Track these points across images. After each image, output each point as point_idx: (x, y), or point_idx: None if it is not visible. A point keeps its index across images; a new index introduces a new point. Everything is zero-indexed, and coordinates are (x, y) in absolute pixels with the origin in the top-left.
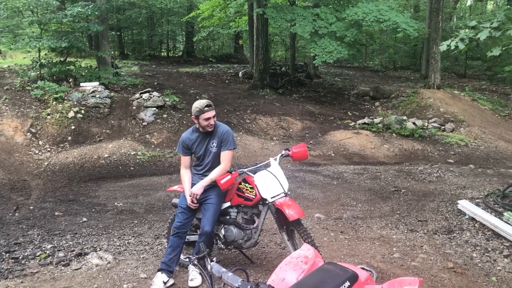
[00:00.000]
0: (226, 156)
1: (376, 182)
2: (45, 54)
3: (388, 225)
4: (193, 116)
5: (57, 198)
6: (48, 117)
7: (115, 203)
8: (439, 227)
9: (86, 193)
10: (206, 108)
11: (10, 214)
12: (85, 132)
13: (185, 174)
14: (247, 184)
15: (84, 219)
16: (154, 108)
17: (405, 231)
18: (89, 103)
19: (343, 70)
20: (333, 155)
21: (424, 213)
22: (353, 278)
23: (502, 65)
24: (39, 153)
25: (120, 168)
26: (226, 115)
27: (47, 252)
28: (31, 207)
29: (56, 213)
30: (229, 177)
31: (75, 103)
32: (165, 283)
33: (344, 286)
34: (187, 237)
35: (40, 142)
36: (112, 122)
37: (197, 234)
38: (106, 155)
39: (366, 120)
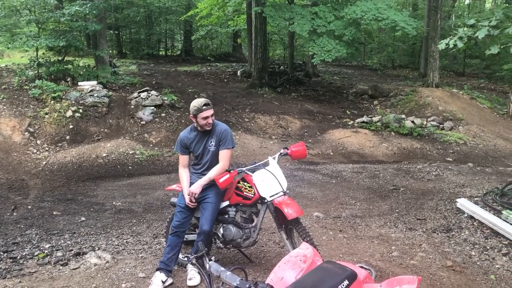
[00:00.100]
0: (224, 155)
1: (375, 181)
2: (43, 53)
3: (387, 223)
4: (191, 115)
5: (55, 198)
6: (46, 116)
7: (114, 203)
8: (438, 226)
9: (84, 193)
10: (204, 107)
11: (8, 214)
12: (83, 131)
13: (184, 173)
14: (245, 183)
15: (83, 218)
16: (153, 107)
17: (404, 229)
18: (87, 102)
19: (342, 68)
20: (331, 153)
21: (423, 212)
22: (352, 276)
23: (501, 63)
24: (37, 153)
25: (118, 167)
26: (225, 114)
27: (45, 251)
28: (29, 207)
29: (54, 213)
30: (227, 176)
31: (73, 102)
32: (163, 282)
33: (343, 285)
34: (186, 236)
35: (38, 142)
36: (110, 121)
37: (195, 233)
38: (104, 154)
39: (364, 118)
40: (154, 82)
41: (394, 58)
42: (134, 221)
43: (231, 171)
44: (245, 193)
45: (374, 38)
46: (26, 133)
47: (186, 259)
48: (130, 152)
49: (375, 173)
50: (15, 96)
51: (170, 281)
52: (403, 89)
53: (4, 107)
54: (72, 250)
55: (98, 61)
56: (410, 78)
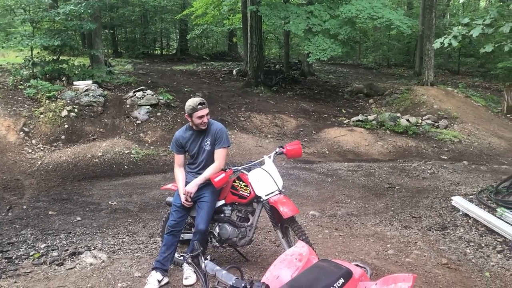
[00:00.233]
0: (220, 154)
1: (370, 179)
2: (38, 53)
3: (382, 222)
4: (186, 114)
5: (51, 197)
6: (41, 116)
7: (109, 202)
8: (433, 224)
9: (80, 192)
10: (199, 106)
11: (3, 214)
12: (78, 131)
13: (179, 173)
14: (241, 182)
15: (78, 218)
16: (148, 107)
17: (399, 227)
18: (82, 102)
19: (337, 67)
20: (327, 152)
21: (418, 210)
22: (347, 275)
23: (495, 61)
24: (32, 152)
25: (114, 167)
26: (221, 113)
27: (41, 251)
28: (25, 207)
29: (49, 213)
30: (223, 175)
31: (68, 101)
32: (159, 281)
33: (338, 283)
34: (182, 235)
35: (33, 141)
36: (106, 120)
37: (191, 233)
38: (100, 154)
39: (360, 117)
40: (149, 81)
41: (389, 56)
42: (130, 220)
43: (227, 170)
44: (240, 192)
45: (369, 37)
46: (21, 132)
47: (182, 258)
48: (126, 152)
49: (371, 171)
50: (10, 96)
51: (166, 280)
52: (398, 87)
53: None
54: (67, 250)
55: (93, 60)
56: (405, 76)
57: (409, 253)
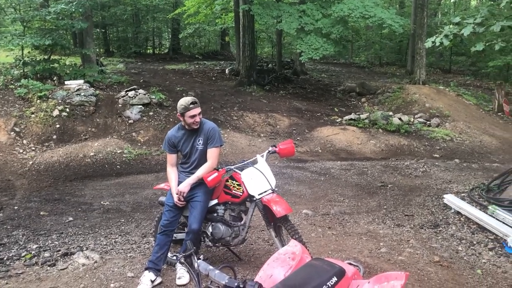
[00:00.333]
0: (212, 154)
1: (363, 178)
2: (29, 52)
3: (375, 220)
4: (178, 114)
5: (43, 198)
6: (32, 115)
7: (102, 202)
8: (425, 222)
9: (72, 192)
10: (191, 106)
11: None
12: (70, 130)
13: (172, 172)
14: (234, 181)
15: (70, 218)
16: (140, 106)
17: (392, 226)
18: (74, 101)
19: (330, 66)
20: (320, 151)
21: (410, 208)
22: (340, 273)
23: (486, 60)
24: (24, 153)
25: (106, 167)
26: (213, 112)
27: (33, 252)
28: (16, 207)
29: (41, 213)
30: (216, 174)
31: (60, 101)
32: (152, 281)
33: (331, 282)
34: (175, 235)
35: (25, 141)
36: (98, 120)
37: (184, 232)
38: (92, 154)
39: (352, 116)
40: (141, 80)
41: (382, 55)
42: (123, 220)
43: (220, 169)
44: (233, 191)
45: (361, 36)
46: (12, 133)
47: (175, 258)
48: (118, 151)
49: (363, 170)
50: (1, 96)
51: (159, 280)
52: (390, 86)
53: None
54: (59, 250)
55: (85, 59)
56: (397, 75)
57: (401, 251)
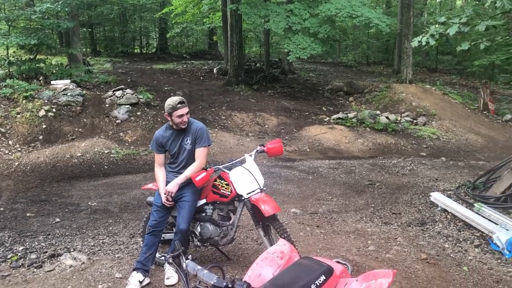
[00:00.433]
0: (200, 153)
1: (351, 176)
2: (14, 52)
3: (363, 218)
4: (166, 113)
5: (29, 199)
6: (18, 116)
7: (89, 203)
8: (413, 219)
9: (58, 193)
10: (179, 105)
11: None
12: (56, 131)
13: (160, 172)
14: (222, 181)
15: (57, 219)
16: (128, 106)
17: (380, 224)
18: (60, 101)
19: (317, 65)
20: (308, 150)
21: (397, 206)
22: (328, 272)
23: (472, 59)
24: (9, 153)
25: (93, 167)
26: (201, 111)
27: (19, 254)
28: (1, 209)
29: (27, 214)
30: (204, 174)
31: (46, 101)
32: (140, 282)
33: (320, 280)
34: (163, 235)
35: (10, 142)
36: (85, 120)
37: (172, 232)
38: (79, 154)
39: (340, 115)
40: (129, 80)
41: (369, 55)
42: (110, 221)
43: (208, 169)
44: (222, 191)
45: (348, 35)
46: None
47: (163, 258)
48: (106, 152)
49: (351, 168)
50: None
51: (147, 281)
52: (377, 85)
53: None
54: (46, 252)
55: (71, 59)
56: (384, 74)
57: (389, 249)
